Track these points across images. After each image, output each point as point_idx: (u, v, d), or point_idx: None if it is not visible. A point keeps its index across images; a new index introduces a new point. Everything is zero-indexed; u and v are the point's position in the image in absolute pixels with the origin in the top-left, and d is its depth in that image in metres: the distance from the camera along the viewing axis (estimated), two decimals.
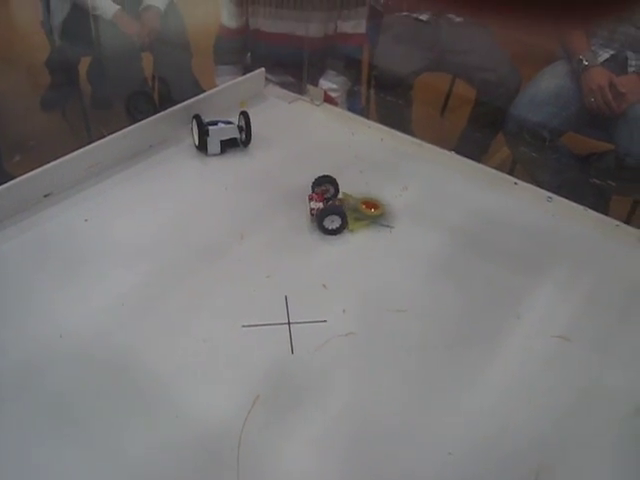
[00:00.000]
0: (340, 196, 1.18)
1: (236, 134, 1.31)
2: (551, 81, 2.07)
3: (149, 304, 0.97)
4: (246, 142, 1.32)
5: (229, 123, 1.32)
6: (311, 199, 1.15)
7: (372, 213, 1.15)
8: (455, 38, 2.34)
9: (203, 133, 1.28)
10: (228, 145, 1.32)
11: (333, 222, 1.11)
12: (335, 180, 1.18)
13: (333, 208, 1.11)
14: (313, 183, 1.18)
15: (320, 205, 1.13)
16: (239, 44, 2.11)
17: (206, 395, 0.85)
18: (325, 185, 1.17)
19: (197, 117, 1.30)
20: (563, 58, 2.09)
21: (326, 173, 1.18)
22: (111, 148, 1.24)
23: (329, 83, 2.12)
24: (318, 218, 1.11)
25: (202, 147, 1.29)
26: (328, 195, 1.17)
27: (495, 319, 0.99)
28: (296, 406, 0.84)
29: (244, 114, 1.32)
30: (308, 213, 1.14)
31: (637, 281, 1.09)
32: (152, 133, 1.32)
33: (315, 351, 0.91)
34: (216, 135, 1.29)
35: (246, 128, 1.31)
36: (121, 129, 1.26)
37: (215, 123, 1.30)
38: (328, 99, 1.56)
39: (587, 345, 0.96)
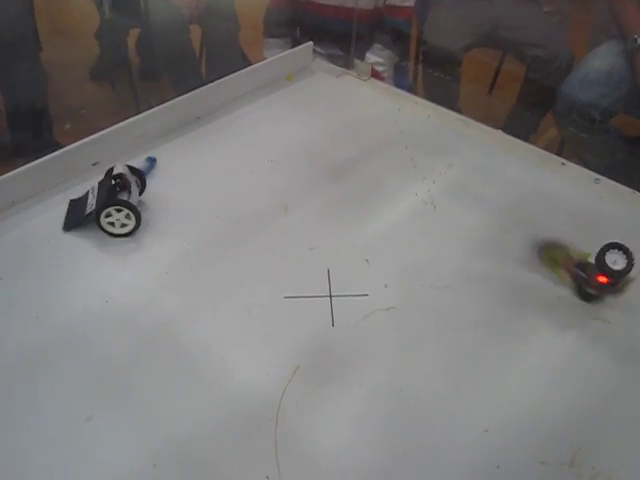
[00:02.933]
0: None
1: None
2: (604, 60, 2.03)
3: (192, 273, 0.99)
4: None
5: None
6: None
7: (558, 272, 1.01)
8: (507, 13, 2.30)
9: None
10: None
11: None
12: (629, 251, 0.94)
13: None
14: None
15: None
16: (288, 16, 2.11)
17: (247, 364, 0.86)
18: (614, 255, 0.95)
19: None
20: (617, 37, 2.04)
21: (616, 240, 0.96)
22: (159, 119, 1.26)
23: (376, 57, 2.11)
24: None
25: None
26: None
27: (537, 298, 0.98)
28: (335, 378, 0.85)
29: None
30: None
31: None
32: (199, 105, 1.33)
33: (356, 324, 0.92)
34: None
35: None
36: (169, 100, 1.28)
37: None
38: (374, 74, 1.55)
39: (627, 327, 0.95)
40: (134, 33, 2.73)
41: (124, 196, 1.05)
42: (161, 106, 1.27)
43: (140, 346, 0.87)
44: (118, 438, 0.77)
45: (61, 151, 1.12)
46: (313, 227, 1.09)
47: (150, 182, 1.13)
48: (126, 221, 1.03)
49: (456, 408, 0.83)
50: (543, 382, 0.87)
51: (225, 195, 1.14)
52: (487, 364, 0.89)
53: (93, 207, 1.03)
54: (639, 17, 1.94)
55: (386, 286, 0.98)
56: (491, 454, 0.78)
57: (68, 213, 1.08)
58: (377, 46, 2.12)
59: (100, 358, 0.85)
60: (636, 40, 1.92)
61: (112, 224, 1.03)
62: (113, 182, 1.05)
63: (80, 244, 1.03)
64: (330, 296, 0.96)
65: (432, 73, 2.40)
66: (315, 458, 0.76)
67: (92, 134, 1.17)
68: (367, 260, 1.02)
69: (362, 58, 1.97)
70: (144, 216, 1.06)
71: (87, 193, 1.08)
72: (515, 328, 0.94)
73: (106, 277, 0.97)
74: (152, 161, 1.19)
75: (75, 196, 1.10)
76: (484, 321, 0.94)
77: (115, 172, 1.05)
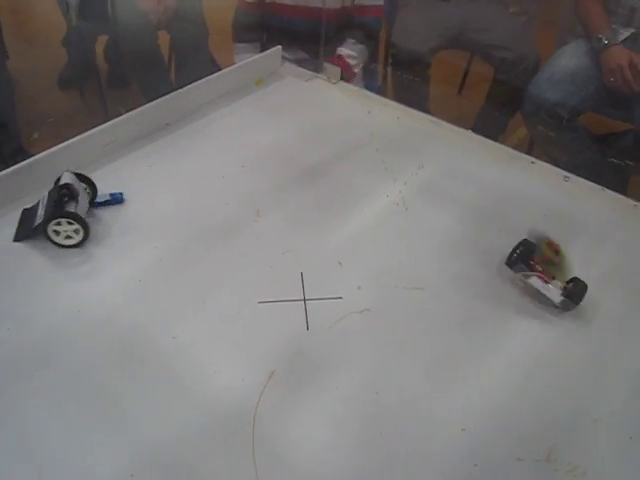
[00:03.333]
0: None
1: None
2: (570, 60, 2.05)
3: (165, 281, 0.98)
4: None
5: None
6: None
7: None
8: (473, 15, 2.32)
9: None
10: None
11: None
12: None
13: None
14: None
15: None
16: (257, 20, 2.11)
17: (222, 370, 0.85)
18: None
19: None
20: (582, 37, 2.06)
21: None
22: (128, 126, 1.25)
23: (348, 51, 2.11)
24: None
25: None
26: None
27: (510, 298, 0.99)
28: (311, 382, 0.85)
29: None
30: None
31: None
32: (168, 111, 1.32)
33: (330, 328, 0.92)
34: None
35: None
36: (138, 107, 1.27)
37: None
38: (345, 67, 1.54)
39: (603, 323, 0.96)
40: (102, 40, 2.71)
41: (71, 207, 1.03)
42: (130, 113, 1.26)
43: (114, 355, 0.86)
44: (94, 448, 0.76)
45: (30, 160, 1.11)
46: (285, 231, 1.08)
47: (121, 189, 1.12)
48: (73, 234, 1.01)
49: (433, 408, 0.83)
50: (518, 380, 0.87)
51: (196, 201, 1.13)
52: (462, 364, 0.89)
53: (41, 219, 1.01)
54: (603, 17, 1.97)
55: (360, 288, 0.98)
56: (469, 453, 0.78)
57: (20, 222, 1.06)
58: (350, 41, 2.12)
59: (74, 367, 0.84)
60: (601, 39, 1.94)
61: (57, 233, 1.01)
62: (60, 192, 1.03)
63: (52, 252, 1.01)
64: (304, 300, 0.96)
65: (401, 75, 2.41)
66: (293, 462, 0.76)
67: (61, 142, 1.16)
68: (340, 263, 1.03)
69: (332, 59, 1.98)
70: (112, 223, 1.05)
71: (38, 202, 1.06)
72: (489, 327, 0.94)
73: (78, 286, 0.96)
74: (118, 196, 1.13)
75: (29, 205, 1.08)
76: (458, 321, 0.95)
77: (62, 182, 1.03)
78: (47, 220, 1.00)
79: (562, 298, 0.95)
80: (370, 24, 2.16)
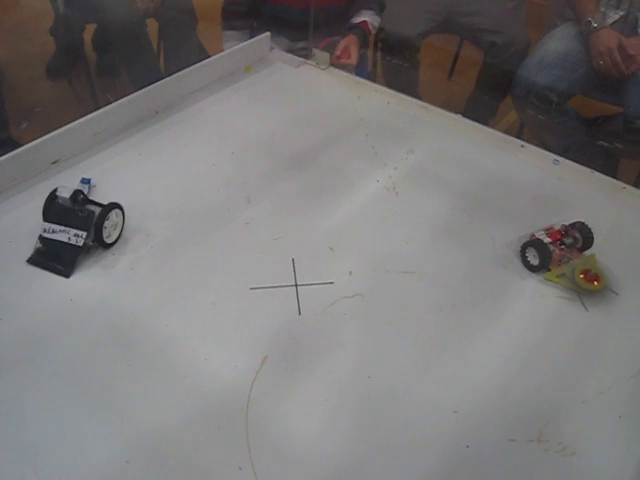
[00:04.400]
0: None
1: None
2: (559, 43, 2.05)
3: (157, 268, 0.98)
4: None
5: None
6: (548, 231, 1.05)
7: (591, 287, 0.98)
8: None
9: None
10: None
11: (535, 257, 1.01)
12: (589, 232, 1.03)
13: (538, 244, 1.01)
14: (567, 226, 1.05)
15: (548, 240, 1.02)
16: (247, 7, 2.09)
17: (215, 357, 0.86)
18: (574, 232, 1.04)
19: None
20: (572, 20, 2.06)
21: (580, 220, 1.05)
22: (117, 114, 1.25)
23: (370, 19, 2.09)
24: (521, 247, 1.03)
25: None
26: (568, 242, 1.04)
27: (500, 280, 1.00)
28: (303, 367, 0.85)
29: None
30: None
31: None
32: (158, 99, 1.32)
33: (322, 313, 0.92)
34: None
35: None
36: (127, 95, 1.26)
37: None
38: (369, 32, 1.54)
39: (593, 306, 0.96)
40: (90, 29, 2.69)
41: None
42: (120, 101, 1.25)
43: (107, 343, 0.87)
44: (89, 435, 0.76)
45: (19, 150, 1.11)
46: (276, 217, 1.09)
47: (111, 177, 1.12)
48: (112, 231, 1.00)
49: (425, 391, 0.84)
50: (509, 362, 0.88)
51: (187, 188, 1.13)
52: (454, 347, 0.90)
53: (92, 217, 0.96)
54: (592, 0, 1.97)
55: (351, 273, 0.99)
56: (461, 434, 0.79)
57: (53, 260, 0.97)
58: (368, 12, 2.10)
59: (68, 357, 0.85)
60: (590, 23, 1.94)
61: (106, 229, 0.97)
62: (76, 197, 0.98)
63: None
64: (296, 285, 0.96)
65: (391, 61, 2.41)
66: (286, 447, 0.76)
67: (50, 132, 1.15)
68: (331, 248, 1.03)
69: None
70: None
71: (51, 233, 0.96)
72: (480, 310, 0.95)
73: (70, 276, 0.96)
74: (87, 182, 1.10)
75: (39, 196, 1.06)
76: (450, 305, 0.95)
77: (63, 193, 0.97)
78: (103, 214, 0.96)
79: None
80: None
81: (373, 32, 2.11)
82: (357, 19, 2.07)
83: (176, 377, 0.83)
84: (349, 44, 1.94)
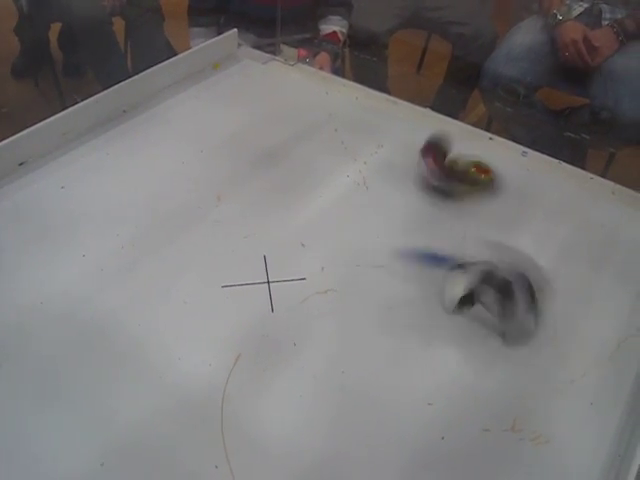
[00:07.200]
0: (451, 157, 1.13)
1: None
2: (526, 36, 2.07)
3: (128, 269, 0.98)
4: None
5: None
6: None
7: (483, 179, 1.12)
8: None
9: None
10: None
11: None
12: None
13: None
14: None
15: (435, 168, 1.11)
16: (212, 3, 2.08)
17: (189, 356, 0.85)
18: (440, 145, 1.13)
19: None
20: (538, 13, 2.08)
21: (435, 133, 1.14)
22: (84, 114, 1.23)
23: (338, 27, 2.09)
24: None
25: None
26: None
27: None
28: (277, 363, 0.85)
29: None
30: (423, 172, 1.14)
31: (610, 232, 1.11)
32: (125, 98, 1.31)
33: (295, 309, 0.92)
34: None
35: None
36: (94, 95, 1.25)
37: None
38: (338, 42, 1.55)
39: (562, 295, 0.97)
40: (55, 28, 2.66)
41: None
42: (86, 101, 1.24)
43: (79, 345, 0.86)
44: (63, 440, 0.75)
45: None
46: (247, 215, 1.08)
47: (80, 178, 1.11)
48: None
49: (399, 385, 0.84)
50: (482, 353, 0.89)
51: (156, 188, 1.13)
52: (426, 339, 0.90)
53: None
54: None
55: (323, 269, 0.99)
56: (436, 426, 0.80)
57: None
58: (335, 17, 2.10)
59: (39, 359, 0.84)
60: (556, 15, 1.96)
61: None
62: None
63: (9, 243, 1.00)
64: (268, 282, 0.96)
65: (359, 55, 2.41)
66: (262, 444, 0.76)
67: (17, 133, 1.14)
68: (303, 244, 1.03)
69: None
70: (71, 212, 1.04)
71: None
72: None
73: (40, 277, 0.95)
74: None
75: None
76: (421, 297, 0.96)
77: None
78: None
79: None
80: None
81: (342, 39, 2.10)
82: (326, 28, 2.08)
83: (150, 377, 0.82)
84: (322, 65, 1.93)
